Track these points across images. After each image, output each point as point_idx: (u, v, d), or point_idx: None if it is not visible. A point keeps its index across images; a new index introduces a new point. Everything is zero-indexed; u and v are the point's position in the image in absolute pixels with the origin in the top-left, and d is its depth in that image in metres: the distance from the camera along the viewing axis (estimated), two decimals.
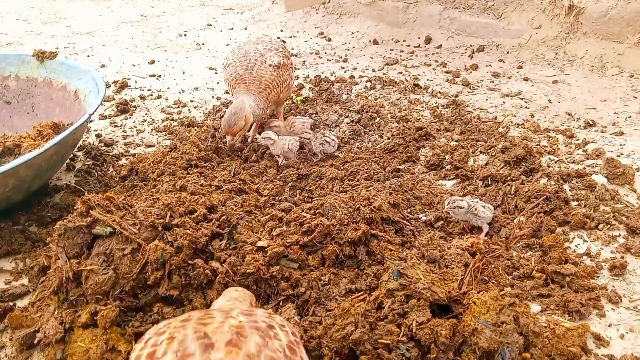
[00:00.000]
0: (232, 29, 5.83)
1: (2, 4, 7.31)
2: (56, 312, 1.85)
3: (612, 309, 1.94)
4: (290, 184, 2.67)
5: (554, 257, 2.11)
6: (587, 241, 2.28)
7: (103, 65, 4.77)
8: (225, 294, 1.57)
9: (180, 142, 2.97)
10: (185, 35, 5.67)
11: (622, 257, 2.16)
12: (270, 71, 3.01)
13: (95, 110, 2.65)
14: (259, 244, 1.96)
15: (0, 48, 5.52)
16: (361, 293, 1.90)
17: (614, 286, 2.03)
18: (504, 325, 1.67)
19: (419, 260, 2.03)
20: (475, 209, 2.27)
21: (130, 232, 1.90)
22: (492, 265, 2.10)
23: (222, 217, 2.03)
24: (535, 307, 1.93)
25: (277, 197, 2.54)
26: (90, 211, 1.93)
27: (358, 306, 1.77)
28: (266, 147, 3.00)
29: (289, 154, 2.94)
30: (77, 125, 2.48)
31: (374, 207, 2.18)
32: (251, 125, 3.13)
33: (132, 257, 1.83)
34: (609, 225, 2.34)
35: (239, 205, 2.24)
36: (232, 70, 3.06)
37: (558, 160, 2.86)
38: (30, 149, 2.50)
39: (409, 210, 2.41)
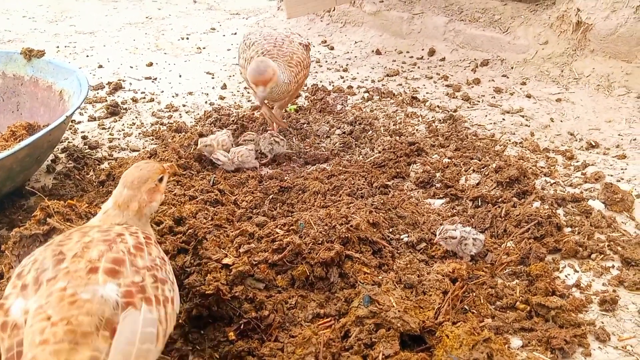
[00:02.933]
0: (236, 33, 5.76)
1: (11, 1, 7.31)
2: None
3: (599, 347, 1.80)
4: (271, 196, 2.56)
5: (541, 287, 1.98)
6: (578, 271, 2.14)
7: (100, 66, 4.71)
8: (115, 193, 1.56)
9: (162, 148, 2.88)
10: (187, 38, 5.60)
11: (614, 291, 2.02)
12: (302, 50, 2.85)
13: (73, 113, 2.56)
14: (225, 261, 1.85)
15: (2, 45, 5.50)
16: (329, 319, 1.78)
17: (602, 322, 1.89)
18: None
19: (394, 285, 1.91)
20: (465, 244, 2.15)
21: None
22: (474, 294, 1.98)
23: (189, 231, 1.92)
24: (516, 342, 1.80)
25: (255, 210, 2.43)
26: (48, 219, 1.84)
27: (322, 334, 1.66)
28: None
29: (244, 165, 2.85)
30: (51, 127, 2.40)
31: (351, 225, 2.06)
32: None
33: None
34: (602, 255, 2.20)
35: (209, 218, 2.14)
36: (259, 47, 2.80)
37: (554, 183, 2.72)
38: (1, 150, 2.42)
39: (390, 230, 2.29)
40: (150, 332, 1.19)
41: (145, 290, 1.24)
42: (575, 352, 1.76)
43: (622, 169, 2.85)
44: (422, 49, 4.84)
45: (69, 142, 3.27)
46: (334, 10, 5.54)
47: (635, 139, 3.19)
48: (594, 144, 3.15)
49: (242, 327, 1.74)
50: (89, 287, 1.17)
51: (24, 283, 1.22)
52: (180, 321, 1.73)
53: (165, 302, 1.29)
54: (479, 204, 2.53)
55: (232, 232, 2.07)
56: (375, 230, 2.16)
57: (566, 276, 2.12)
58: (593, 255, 2.20)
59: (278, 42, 2.80)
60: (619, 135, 3.26)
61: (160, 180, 1.62)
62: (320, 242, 1.98)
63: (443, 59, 4.64)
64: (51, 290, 1.16)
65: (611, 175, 2.79)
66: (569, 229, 2.37)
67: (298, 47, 2.83)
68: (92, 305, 1.14)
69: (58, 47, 5.32)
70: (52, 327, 1.10)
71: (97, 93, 4.06)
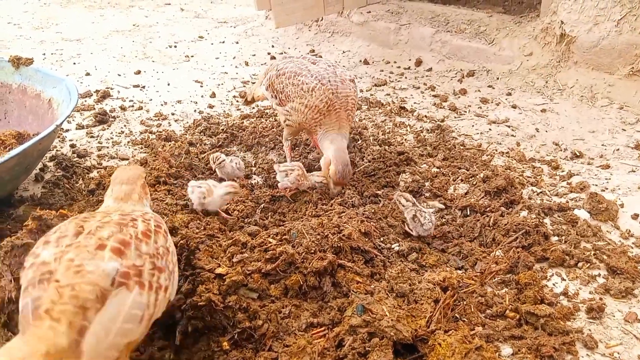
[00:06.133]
0: (224, 42, 5.78)
1: None
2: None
3: (587, 354, 1.83)
4: (262, 205, 2.57)
5: (530, 295, 2.01)
6: (565, 280, 2.19)
7: (88, 74, 4.69)
8: (114, 189, 1.73)
9: (152, 157, 2.87)
10: (175, 46, 5.61)
11: (600, 299, 2.06)
12: (353, 87, 2.75)
13: (63, 121, 2.55)
14: (218, 270, 1.85)
15: None
16: (322, 328, 1.79)
17: (590, 330, 1.93)
18: None
19: (387, 294, 1.93)
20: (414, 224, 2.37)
21: None
22: (464, 302, 2.00)
23: (181, 241, 1.92)
24: (506, 350, 1.83)
25: (246, 219, 2.44)
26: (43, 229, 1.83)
27: (316, 343, 1.67)
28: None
29: (235, 172, 2.83)
30: (42, 136, 2.39)
31: (343, 235, 2.08)
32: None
33: None
34: (589, 264, 2.25)
35: (202, 228, 2.14)
36: (321, 94, 2.63)
37: (541, 192, 2.77)
38: None
39: (381, 239, 2.31)
40: (135, 314, 1.30)
41: (142, 274, 1.35)
42: (564, 359, 1.79)
43: (606, 179, 2.91)
44: (409, 59, 4.90)
45: (57, 150, 3.25)
46: (322, 20, 5.59)
47: (618, 149, 3.26)
48: (578, 154, 3.21)
49: (236, 336, 1.74)
50: (94, 261, 1.30)
51: (47, 240, 1.40)
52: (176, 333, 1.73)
53: (158, 289, 1.39)
54: (468, 213, 2.56)
55: (224, 241, 2.07)
56: (366, 239, 2.18)
57: (554, 284, 2.16)
58: (580, 264, 2.25)
59: (333, 85, 2.64)
60: (602, 145, 3.33)
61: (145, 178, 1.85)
62: (312, 251, 1.99)
63: (430, 70, 4.70)
64: (62, 259, 1.31)
65: (596, 185, 2.84)
66: (556, 238, 2.41)
67: (349, 86, 2.71)
68: (94, 276, 1.27)
69: (44, 54, 5.29)
70: (60, 289, 1.24)
71: (85, 101, 4.04)
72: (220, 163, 2.75)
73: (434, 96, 4.15)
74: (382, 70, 4.77)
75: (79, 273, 1.27)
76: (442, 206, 2.59)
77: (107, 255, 1.33)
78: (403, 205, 2.45)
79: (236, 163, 2.81)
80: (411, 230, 2.39)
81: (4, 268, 1.80)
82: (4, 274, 1.79)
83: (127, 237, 1.40)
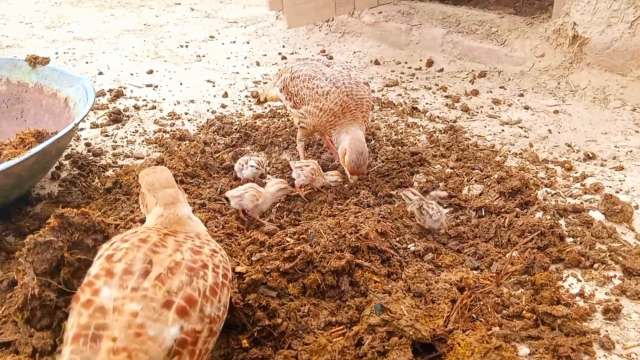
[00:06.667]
0: (234, 42, 5.80)
1: (7, 7, 7.30)
2: (21, 330, 1.76)
3: (605, 355, 1.84)
4: (277, 204, 2.59)
5: (546, 296, 2.02)
6: (581, 281, 2.19)
7: (100, 73, 4.72)
8: (158, 196, 1.60)
9: (168, 156, 2.89)
10: (186, 46, 5.63)
11: (617, 300, 2.06)
12: (367, 90, 2.79)
13: (81, 120, 2.58)
14: (238, 269, 1.87)
15: (0, 50, 5.49)
16: (341, 327, 1.80)
17: (607, 331, 1.93)
18: None
19: (404, 293, 1.94)
20: (422, 215, 2.40)
21: None
22: (481, 302, 2.01)
23: None
24: (523, 350, 1.84)
25: (262, 219, 2.45)
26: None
27: (336, 342, 1.69)
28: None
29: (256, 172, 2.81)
30: (61, 134, 2.42)
31: (360, 235, 2.10)
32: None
33: None
34: (604, 265, 2.25)
35: (220, 227, 2.16)
36: (335, 97, 2.66)
37: (555, 194, 2.78)
38: (10, 157, 2.43)
39: (397, 239, 2.32)
40: None
41: (197, 342, 1.29)
42: (582, 359, 1.80)
43: (620, 181, 2.91)
44: (421, 60, 4.90)
45: (72, 149, 3.28)
46: (332, 20, 5.61)
47: (631, 151, 3.26)
48: (591, 156, 3.21)
49: (255, 334, 1.76)
50: (158, 324, 1.23)
51: (112, 270, 1.30)
52: None
53: (204, 354, 1.33)
54: (483, 214, 2.57)
55: (243, 240, 2.09)
56: (383, 239, 2.20)
57: (570, 285, 2.17)
58: (595, 265, 2.25)
59: (347, 88, 2.68)
60: (615, 147, 3.33)
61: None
62: (330, 250, 2.01)
63: (441, 70, 4.70)
64: (123, 310, 1.23)
65: (610, 187, 2.84)
66: (571, 239, 2.42)
67: (363, 88, 2.76)
68: (153, 346, 1.20)
69: (57, 53, 5.33)
70: (114, 354, 1.17)
71: (99, 100, 4.07)
72: (245, 164, 2.78)
73: (446, 97, 4.16)
74: (393, 71, 4.77)
75: (140, 337, 1.20)
76: (446, 193, 2.61)
77: (172, 317, 1.25)
78: (410, 199, 2.50)
79: (255, 162, 2.83)
80: (423, 223, 2.41)
81: (27, 265, 1.82)
82: (27, 271, 1.82)
83: (196, 293, 1.31)
